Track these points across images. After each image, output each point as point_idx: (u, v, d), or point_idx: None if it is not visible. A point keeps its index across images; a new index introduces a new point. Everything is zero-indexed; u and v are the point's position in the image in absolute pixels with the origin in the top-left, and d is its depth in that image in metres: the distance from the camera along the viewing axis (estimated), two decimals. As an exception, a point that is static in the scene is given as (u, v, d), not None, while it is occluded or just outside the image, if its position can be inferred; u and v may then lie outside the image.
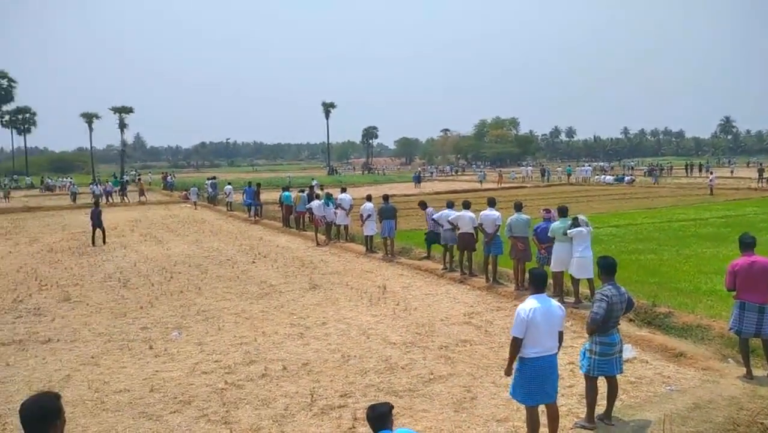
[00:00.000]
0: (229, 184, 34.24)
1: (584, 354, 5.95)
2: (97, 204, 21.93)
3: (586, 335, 6.08)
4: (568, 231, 10.23)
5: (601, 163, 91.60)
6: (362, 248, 17.27)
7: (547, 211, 11.46)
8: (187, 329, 9.79)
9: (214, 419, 6.34)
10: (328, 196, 19.81)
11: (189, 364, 8.05)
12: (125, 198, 41.33)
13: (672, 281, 11.77)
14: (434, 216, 14.11)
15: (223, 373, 7.67)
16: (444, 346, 8.51)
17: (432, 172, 77.73)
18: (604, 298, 5.71)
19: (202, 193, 38.87)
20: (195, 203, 35.85)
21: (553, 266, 10.58)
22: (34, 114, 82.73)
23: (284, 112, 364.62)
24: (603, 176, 54.97)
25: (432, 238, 14.95)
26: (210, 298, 11.98)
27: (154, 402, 6.83)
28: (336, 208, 19.11)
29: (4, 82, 75.25)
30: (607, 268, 5.98)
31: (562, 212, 10.81)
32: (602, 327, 5.73)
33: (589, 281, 10.13)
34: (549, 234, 10.71)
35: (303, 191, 22.84)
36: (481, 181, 54.06)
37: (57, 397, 2.85)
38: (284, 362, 7.98)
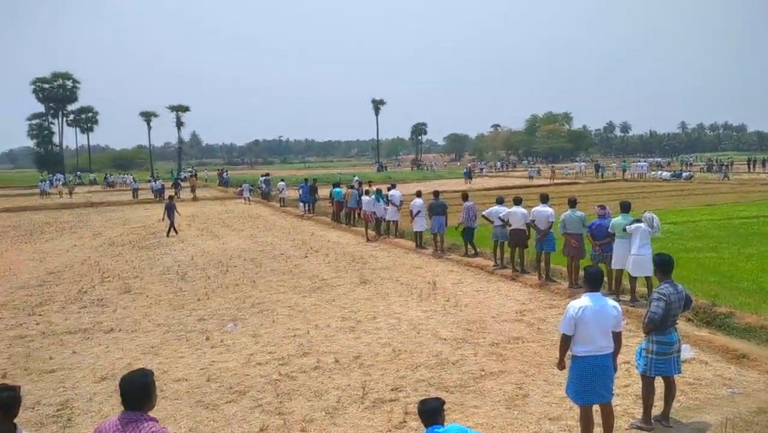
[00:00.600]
0: (282, 180, 35.02)
1: (640, 353, 5.83)
2: (171, 198, 23.97)
3: (643, 334, 5.94)
4: (627, 227, 9.97)
5: (658, 159, 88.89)
6: (412, 244, 17.30)
7: (602, 207, 11.20)
8: (242, 320, 10.04)
9: (269, 409, 6.50)
10: (378, 192, 19.92)
11: (244, 355, 8.26)
12: (177, 195, 42.15)
13: (733, 280, 11.34)
14: (484, 212, 14.00)
15: (277, 364, 7.84)
16: (495, 343, 8.47)
17: (482, 168, 76.94)
18: (662, 297, 5.57)
19: (256, 190, 39.71)
20: (247, 199, 36.72)
21: (613, 264, 10.34)
22: (96, 113, 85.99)
23: (335, 110, 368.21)
24: (659, 172, 53.33)
25: (467, 233, 14.87)
26: (264, 291, 12.24)
27: (211, 392, 7.05)
28: (386, 204, 19.21)
29: (69, 83, 78.26)
30: (664, 265, 5.83)
31: (624, 208, 10.48)
32: (660, 326, 5.59)
33: (647, 279, 9.86)
34: (609, 230, 10.46)
35: (353, 187, 23.05)
36: (531, 177, 53.33)
37: (151, 373, 3.37)
38: (336, 355, 8.10)
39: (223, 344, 8.82)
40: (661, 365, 5.67)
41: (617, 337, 5.29)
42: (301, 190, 28.40)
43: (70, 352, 8.66)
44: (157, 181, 45.45)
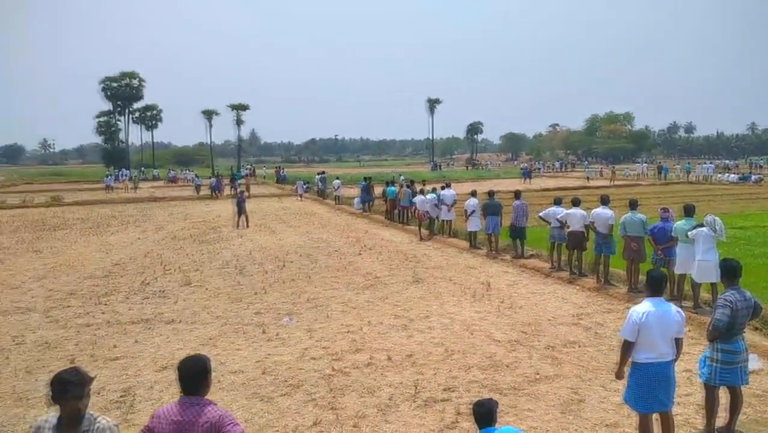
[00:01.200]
0: (337, 178, 35.60)
1: (704, 362, 5.61)
2: (242, 193, 25.45)
3: (706, 342, 5.72)
4: (689, 233, 9.61)
5: (726, 161, 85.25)
6: (465, 244, 17.18)
7: (665, 210, 10.82)
8: (297, 315, 10.21)
9: (322, 403, 6.58)
10: (432, 191, 19.86)
11: (299, 349, 8.39)
12: (233, 191, 42.30)
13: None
14: (541, 213, 13.75)
15: (330, 360, 7.93)
16: (551, 346, 8.32)
17: (539, 168, 75.66)
18: (728, 304, 5.35)
19: (312, 187, 40.28)
20: (301, 195, 37.45)
21: (676, 269, 10.00)
22: (160, 111, 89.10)
23: (390, 109, 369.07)
24: (726, 175, 51.13)
25: (516, 233, 14.63)
26: (319, 287, 12.40)
27: (266, 384, 7.19)
28: (439, 203, 19.13)
29: (135, 81, 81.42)
30: (730, 271, 5.58)
31: (688, 211, 10.10)
32: (726, 334, 5.37)
33: (712, 285, 9.48)
34: (672, 234, 10.11)
35: (407, 186, 23.06)
36: (588, 178, 51.99)
37: (208, 359, 3.49)
38: (389, 353, 8.13)
39: (279, 337, 8.98)
40: (726, 375, 5.45)
41: (679, 343, 5.12)
42: (362, 190, 28.67)
43: (132, 341, 9.00)
44: (213, 179, 46.00)
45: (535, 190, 37.11)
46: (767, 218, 22.45)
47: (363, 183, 28.77)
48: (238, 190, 29.38)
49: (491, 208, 15.77)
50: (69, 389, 3.16)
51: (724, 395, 5.66)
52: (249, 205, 28.45)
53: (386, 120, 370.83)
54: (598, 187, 40.08)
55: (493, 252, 15.65)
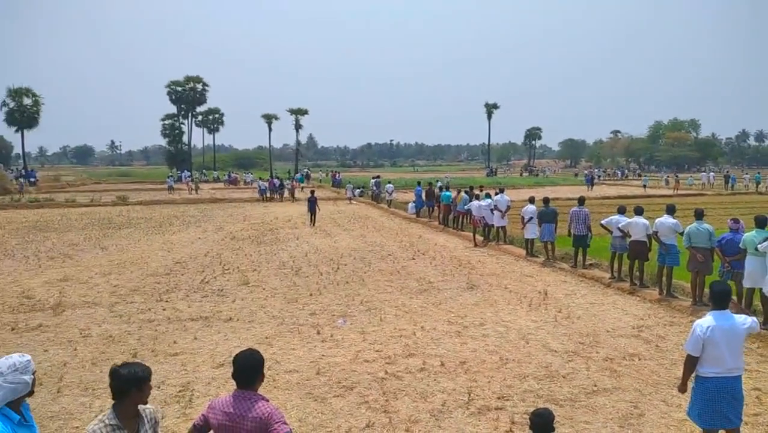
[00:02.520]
0: (390, 183, 35.90)
1: None
2: (312, 193, 26.93)
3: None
4: (759, 246, 9.17)
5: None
6: (521, 251, 16.91)
7: (735, 221, 10.35)
8: (351, 317, 10.27)
9: (375, 406, 6.59)
10: (487, 197, 19.67)
11: (352, 351, 8.44)
12: (283, 195, 41.74)
13: None
14: (603, 222, 13.40)
15: (383, 363, 7.94)
16: (609, 358, 8.08)
17: (599, 176, 73.84)
18: None
19: (367, 192, 40.60)
20: (350, 199, 38.15)
21: (745, 282, 9.56)
22: (222, 115, 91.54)
23: (446, 113, 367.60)
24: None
25: (576, 241, 14.29)
26: (372, 290, 12.44)
27: (320, 385, 7.25)
28: (493, 209, 18.90)
29: (199, 86, 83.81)
30: None
31: (760, 223, 9.64)
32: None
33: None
34: (740, 246, 9.67)
35: (465, 191, 22.89)
36: (645, 186, 50.52)
37: (260, 353, 3.57)
38: (442, 358, 8.07)
39: (333, 339, 9.05)
40: None
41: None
42: (416, 196, 28.46)
43: (192, 337, 9.24)
44: (263, 181, 46.00)
45: (595, 198, 36.21)
46: None
47: (418, 188, 28.64)
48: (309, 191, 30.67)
49: (547, 215, 15.50)
50: (136, 381, 3.27)
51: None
52: (304, 208, 28.99)
53: (442, 125, 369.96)
54: (660, 196, 38.83)
55: (550, 260, 15.35)
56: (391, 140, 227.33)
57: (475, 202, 19.77)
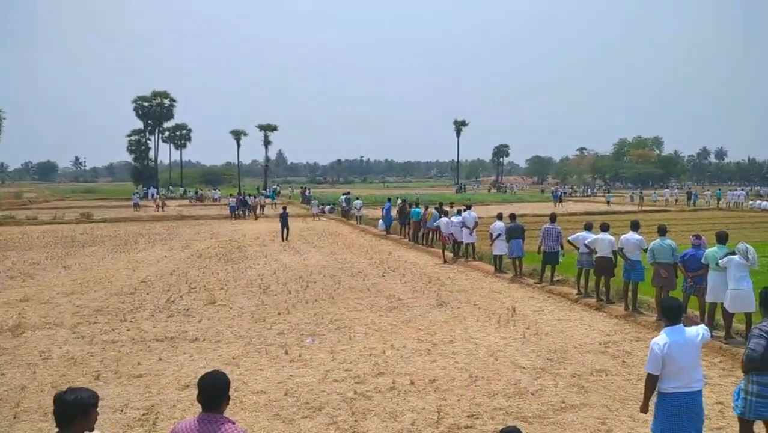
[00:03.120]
0: (358, 199, 36.29)
1: (738, 394, 5.42)
2: (284, 208, 27.76)
3: (741, 374, 5.54)
4: (720, 261, 9.40)
5: (758, 188, 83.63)
6: (490, 268, 17.03)
7: (698, 237, 10.60)
8: (320, 336, 10.17)
9: (344, 427, 6.51)
10: (457, 213, 19.79)
11: (321, 371, 8.34)
12: (245, 213, 40.62)
13: None
14: (570, 238, 13.59)
15: (353, 382, 7.86)
16: (577, 374, 8.14)
17: (565, 192, 75.09)
18: (763, 334, 5.17)
19: (337, 208, 40.56)
20: (316, 215, 38.84)
21: (707, 297, 9.77)
22: (190, 130, 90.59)
23: (415, 130, 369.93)
24: (759, 202, 50.11)
25: (546, 258, 14.45)
26: (342, 308, 12.36)
27: (288, 406, 7.14)
28: (462, 225, 19.03)
29: (167, 101, 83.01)
30: (766, 302, 5.42)
31: (720, 239, 9.88)
32: (761, 365, 5.19)
33: (746, 315, 9.23)
34: (702, 261, 9.90)
35: (435, 208, 22.99)
36: (608, 202, 52.14)
37: (226, 375, 3.50)
38: (411, 377, 8.03)
39: (301, 358, 8.94)
40: (762, 408, 5.25)
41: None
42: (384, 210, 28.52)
43: (156, 359, 9.04)
44: (233, 197, 45.46)
45: (561, 215, 36.70)
46: (802, 246, 21.84)
47: (387, 204, 28.71)
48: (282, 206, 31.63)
49: (515, 231, 15.69)
50: (81, 408, 3.18)
51: (760, 430, 5.46)
52: (275, 225, 28.82)
53: (412, 142, 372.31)
54: (626, 213, 39.59)
55: (518, 276, 15.48)
56: (362, 157, 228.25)
57: (444, 219, 19.88)
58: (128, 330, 10.71)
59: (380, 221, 29.98)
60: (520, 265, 15.69)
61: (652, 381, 5.02)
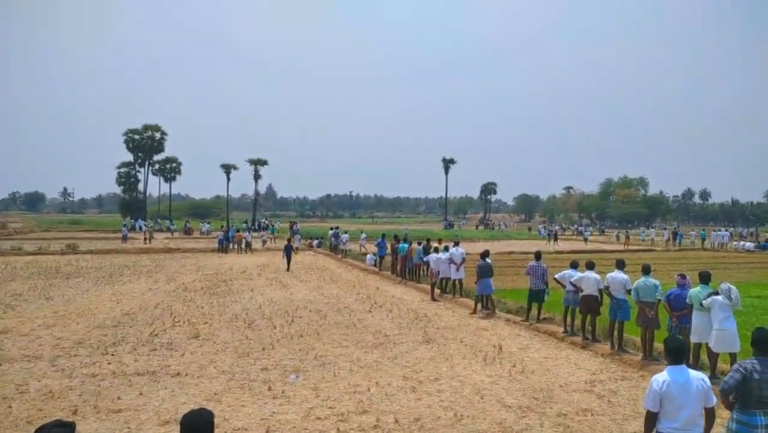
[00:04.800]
0: (345, 233, 36.50)
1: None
2: (289, 241, 30.43)
3: (727, 415, 5.54)
4: (704, 301, 9.46)
5: (740, 229, 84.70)
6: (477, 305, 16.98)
7: (683, 277, 10.68)
8: (304, 372, 10.04)
9: (326, 466, 6.39)
10: (445, 250, 19.83)
11: (304, 408, 8.22)
12: (236, 247, 40.42)
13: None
14: (557, 276, 13.64)
15: (336, 420, 7.75)
16: (563, 414, 8.08)
17: (553, 231, 75.75)
18: (740, 369, 5.20)
19: (325, 242, 40.54)
20: (297, 248, 38.37)
21: (692, 337, 9.80)
22: (180, 164, 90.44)
23: (405, 167, 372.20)
24: (742, 243, 50.71)
25: (535, 295, 14.49)
26: (327, 344, 12.24)
27: (270, 443, 7.01)
28: (449, 261, 19.06)
29: (158, 134, 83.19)
30: (759, 342, 5.42)
31: (704, 278, 9.96)
32: (743, 404, 5.18)
33: (731, 355, 9.24)
34: (687, 301, 9.96)
35: (420, 243, 23.04)
36: (586, 240, 53.25)
37: (212, 414, 3.40)
38: (396, 415, 7.93)
39: (284, 395, 8.82)
40: None
41: (709, 414, 4.95)
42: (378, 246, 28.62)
43: (137, 393, 8.87)
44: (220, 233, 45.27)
45: (549, 253, 36.87)
46: (786, 287, 22.05)
47: (381, 240, 28.78)
48: (297, 237, 34.89)
49: (485, 270, 16.02)
50: None
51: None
52: (262, 259, 28.71)
53: (401, 178, 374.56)
54: (611, 251, 39.82)
55: (488, 311, 15.83)
56: (351, 192, 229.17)
57: (433, 255, 19.90)
58: (109, 364, 10.53)
59: (368, 256, 30.06)
60: (488, 301, 16.09)
61: (650, 418, 5.00)
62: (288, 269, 27.41)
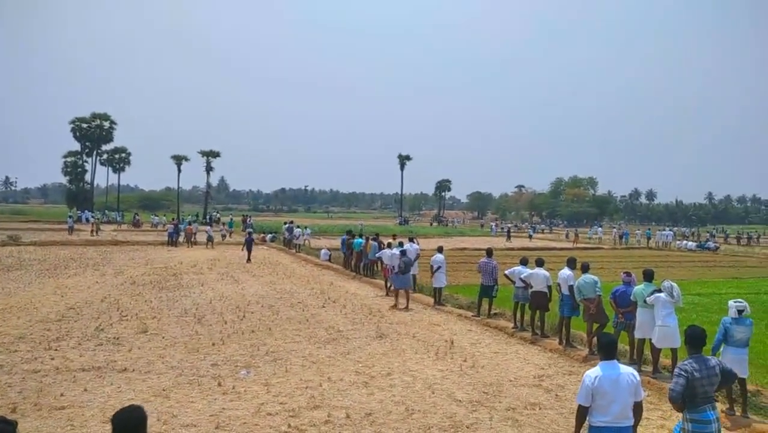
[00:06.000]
0: (299, 227, 36.53)
1: (678, 431, 5.59)
2: (250, 233, 31.47)
3: (665, 407, 5.73)
4: (647, 298, 9.79)
5: (683, 229, 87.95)
6: (430, 300, 17.17)
7: (628, 274, 11.02)
8: (255, 368, 9.94)
9: (276, 462, 6.34)
10: (399, 245, 19.91)
11: (255, 404, 8.14)
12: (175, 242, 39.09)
13: (760, 357, 11.00)
14: (507, 272, 13.88)
15: (287, 416, 7.70)
16: (512, 408, 8.24)
17: (504, 228, 77.13)
18: (682, 373, 5.34)
19: (279, 237, 40.20)
20: (224, 235, 38.16)
21: (636, 333, 10.13)
22: (129, 154, 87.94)
23: (361, 162, 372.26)
24: (685, 242, 52.71)
25: (485, 291, 14.72)
26: (280, 339, 12.14)
27: (219, 439, 6.91)
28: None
29: (106, 123, 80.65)
30: (691, 339, 5.61)
31: (647, 276, 10.32)
32: (691, 403, 5.34)
33: (672, 351, 9.60)
34: (631, 298, 10.28)
35: (374, 239, 23.09)
36: (530, 237, 55.04)
37: (143, 410, 3.30)
38: (348, 410, 7.93)
39: (235, 391, 8.71)
40: None
41: (638, 407, 5.11)
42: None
43: (81, 389, 8.61)
44: (170, 225, 43.55)
45: (500, 250, 37.47)
46: (724, 285, 23.04)
47: (345, 237, 28.11)
48: (249, 231, 34.88)
49: (406, 265, 16.58)
50: None
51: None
52: (213, 253, 28.26)
53: (357, 173, 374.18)
54: (561, 249, 40.78)
55: (400, 307, 16.14)
56: (306, 186, 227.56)
57: (387, 251, 19.93)
58: (52, 359, 10.18)
59: (323, 251, 29.93)
60: (402, 295, 16.62)
61: (581, 412, 5.13)
62: (249, 261, 28.36)
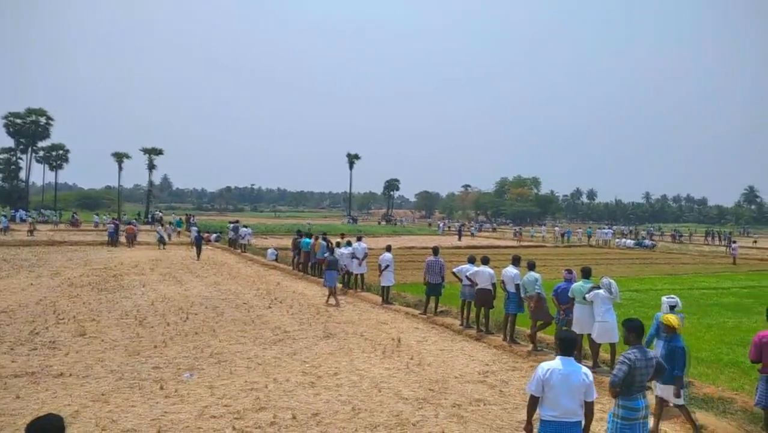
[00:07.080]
0: (245, 227, 36.14)
1: (610, 417, 5.80)
2: (199, 231, 32.79)
3: (608, 401, 5.92)
4: (586, 295, 10.09)
5: (622, 227, 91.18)
6: (378, 298, 17.21)
7: (569, 271, 11.33)
8: (199, 371, 9.73)
9: (220, 465, 6.23)
10: (348, 244, 19.90)
11: (198, 407, 7.97)
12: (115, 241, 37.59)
13: (692, 350, 11.42)
14: (454, 270, 14.05)
15: (231, 418, 7.57)
16: (457, 404, 8.34)
17: (449, 227, 78.21)
18: (626, 361, 5.57)
19: (224, 236, 39.51)
20: (164, 241, 37.11)
21: (575, 328, 10.40)
22: (67, 151, 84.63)
23: (309, 161, 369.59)
24: (623, 240, 54.64)
25: (432, 289, 14.88)
26: (224, 341, 11.93)
27: (161, 444, 6.74)
28: (352, 256, 19.18)
29: (42, 119, 77.38)
30: (632, 331, 5.85)
31: (585, 273, 10.64)
32: (626, 391, 5.57)
33: (611, 345, 9.92)
34: (569, 294, 10.58)
35: (321, 238, 22.97)
36: (472, 235, 57.29)
37: (61, 419, 3.08)
38: (294, 411, 7.86)
39: (177, 394, 8.51)
40: (627, 430, 5.61)
41: (589, 407, 5.22)
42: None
43: (13, 396, 8.24)
44: (111, 225, 42.87)
45: (447, 248, 37.91)
46: (660, 282, 23.97)
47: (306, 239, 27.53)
48: (196, 230, 35.21)
49: (331, 263, 17.19)
50: None
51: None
52: (155, 253, 27.54)
53: (305, 172, 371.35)
54: (506, 247, 41.56)
55: (333, 303, 16.50)
56: (252, 184, 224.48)
57: (337, 250, 19.89)
58: (-19, 366, 9.71)
59: (269, 251, 29.60)
60: (333, 294, 16.89)
61: (532, 402, 5.24)
62: (198, 258, 29.09)
